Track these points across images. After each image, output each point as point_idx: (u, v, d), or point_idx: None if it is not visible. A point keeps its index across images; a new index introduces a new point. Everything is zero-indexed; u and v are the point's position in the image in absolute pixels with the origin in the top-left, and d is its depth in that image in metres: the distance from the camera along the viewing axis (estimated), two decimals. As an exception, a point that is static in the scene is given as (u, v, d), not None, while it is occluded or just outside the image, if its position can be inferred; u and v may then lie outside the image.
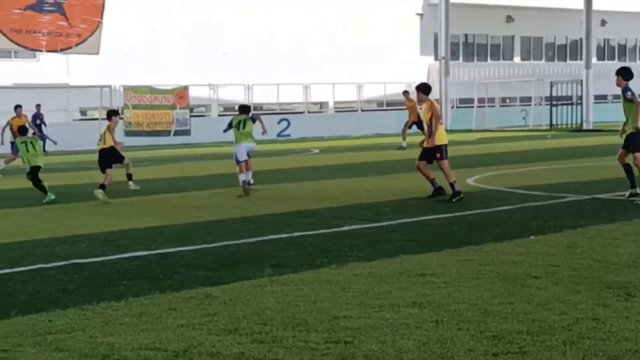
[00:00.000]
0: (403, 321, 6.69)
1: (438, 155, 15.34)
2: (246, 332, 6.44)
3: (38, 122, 35.03)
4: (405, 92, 33.45)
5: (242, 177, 17.31)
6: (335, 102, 52.20)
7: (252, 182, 17.97)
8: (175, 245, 10.69)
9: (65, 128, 38.97)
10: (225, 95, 47.87)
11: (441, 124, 15.86)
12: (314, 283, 8.16)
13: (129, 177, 17.93)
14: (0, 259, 9.90)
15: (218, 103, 47.83)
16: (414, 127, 30.76)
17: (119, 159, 17.34)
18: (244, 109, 18.89)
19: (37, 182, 16.94)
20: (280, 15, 51.81)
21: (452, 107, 52.89)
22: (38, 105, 36.57)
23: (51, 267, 9.38)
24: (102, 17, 34.55)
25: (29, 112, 31.37)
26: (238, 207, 14.63)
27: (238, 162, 17.64)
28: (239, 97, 47.13)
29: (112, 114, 18.40)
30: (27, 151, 17.05)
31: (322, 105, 53.03)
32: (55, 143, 28.56)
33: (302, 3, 52.73)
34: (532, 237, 10.66)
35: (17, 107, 27.08)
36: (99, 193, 15.95)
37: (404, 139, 31.07)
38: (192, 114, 43.09)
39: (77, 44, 34.73)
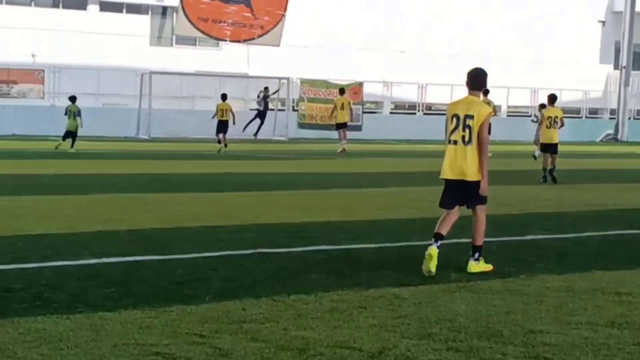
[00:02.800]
0: (603, 341, 6.41)
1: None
2: (440, 339, 6.32)
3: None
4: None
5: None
6: (509, 107, 51.33)
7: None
8: (358, 242, 10.68)
9: (242, 116, 39.78)
10: (398, 94, 47.87)
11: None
12: (504, 293, 7.96)
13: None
14: (191, 243, 10.17)
15: (391, 100, 47.86)
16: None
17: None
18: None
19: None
20: (459, 17, 51.37)
21: (630, 119, 51.03)
22: (266, 88, 38.48)
23: (239, 254, 9.54)
24: (285, 10, 35.15)
25: (211, 99, 32.40)
26: (415, 208, 14.51)
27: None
28: (412, 95, 47.09)
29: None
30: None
31: (494, 108, 52.21)
32: None
33: (481, 7, 52.08)
34: None
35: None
36: None
37: None
38: (364, 110, 43.27)
39: (259, 36, 35.46)
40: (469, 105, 8.87)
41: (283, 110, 41.32)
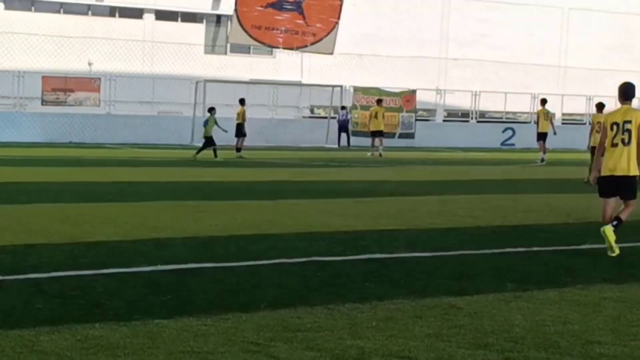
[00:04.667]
0: (662, 353, 6.32)
1: None
2: (496, 349, 6.26)
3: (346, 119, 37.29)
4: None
5: None
6: (563, 114, 50.80)
7: None
8: (412, 251, 10.63)
9: (294, 124, 39.95)
10: (451, 101, 47.65)
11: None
12: (561, 303, 7.87)
13: None
14: (247, 251, 10.21)
15: (444, 108, 47.67)
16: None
17: None
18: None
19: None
20: (509, 23, 51.00)
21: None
22: (343, 107, 38.50)
23: (294, 262, 9.55)
24: (338, 18, 35.15)
25: (265, 107, 32.68)
26: (470, 216, 14.43)
27: None
28: (465, 103, 46.85)
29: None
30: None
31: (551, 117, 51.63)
32: None
33: (538, 14, 51.64)
34: None
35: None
36: None
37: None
38: (417, 118, 43.16)
39: (312, 43, 35.53)
40: (625, 113, 10.75)
41: (335, 118, 41.34)
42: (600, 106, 23.69)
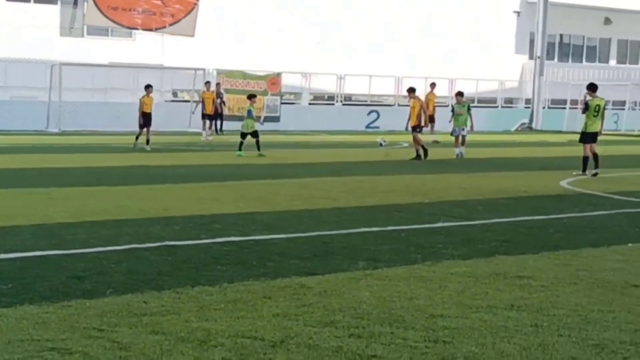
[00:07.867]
0: (502, 324, 6.52)
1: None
2: (342, 326, 6.33)
3: (219, 101, 35.84)
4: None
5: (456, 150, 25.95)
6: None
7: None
8: (268, 233, 10.63)
9: (157, 108, 39.23)
10: (316, 84, 47.85)
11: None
12: (409, 279, 8.02)
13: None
14: (96, 237, 9.99)
15: (309, 92, 47.84)
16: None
17: None
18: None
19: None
20: (374, 7, 51.55)
21: (544, 108, 51.94)
22: (218, 84, 37.14)
23: (145, 247, 9.41)
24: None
25: (125, 91, 31.86)
26: (329, 198, 14.54)
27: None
28: (330, 86, 47.14)
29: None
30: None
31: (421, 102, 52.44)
32: None
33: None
34: (630, 245, 10.38)
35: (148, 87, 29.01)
36: None
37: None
38: (282, 101, 43.19)
39: (170, 24, 35.06)
40: None
41: (198, 101, 40.87)
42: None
